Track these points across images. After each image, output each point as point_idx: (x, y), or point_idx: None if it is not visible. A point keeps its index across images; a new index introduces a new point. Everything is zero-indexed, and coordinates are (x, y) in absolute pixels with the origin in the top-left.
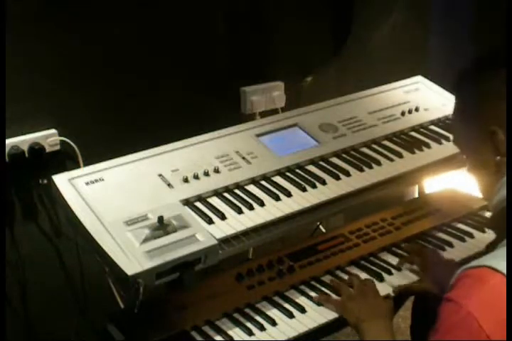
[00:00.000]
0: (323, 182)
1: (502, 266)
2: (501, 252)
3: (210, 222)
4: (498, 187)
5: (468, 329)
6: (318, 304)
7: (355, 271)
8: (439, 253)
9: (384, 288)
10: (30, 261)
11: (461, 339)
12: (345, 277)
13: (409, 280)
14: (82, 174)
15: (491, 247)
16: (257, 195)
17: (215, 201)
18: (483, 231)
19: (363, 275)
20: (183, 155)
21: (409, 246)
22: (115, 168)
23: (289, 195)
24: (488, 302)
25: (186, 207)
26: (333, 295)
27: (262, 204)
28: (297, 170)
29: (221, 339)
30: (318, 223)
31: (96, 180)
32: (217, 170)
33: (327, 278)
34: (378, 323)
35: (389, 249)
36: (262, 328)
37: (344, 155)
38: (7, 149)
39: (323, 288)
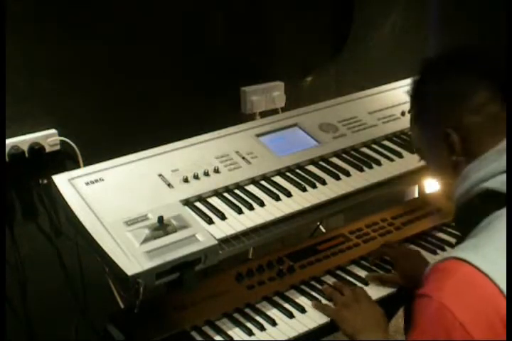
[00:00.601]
0: (323, 182)
1: (469, 257)
2: (467, 244)
3: (210, 222)
4: (457, 184)
5: (443, 319)
6: None
7: (355, 270)
8: (407, 247)
9: (384, 288)
10: (30, 261)
11: (437, 331)
12: (346, 277)
13: None
14: (82, 174)
15: (457, 243)
16: (257, 195)
17: (215, 201)
18: None
19: (364, 275)
20: (183, 155)
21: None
22: (115, 168)
23: (289, 195)
24: (459, 291)
25: (186, 207)
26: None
27: (262, 204)
28: (297, 170)
29: (221, 339)
30: (318, 223)
31: (96, 180)
32: (217, 170)
33: (327, 278)
34: (375, 334)
35: None
36: (262, 328)
37: (344, 155)
38: (7, 149)
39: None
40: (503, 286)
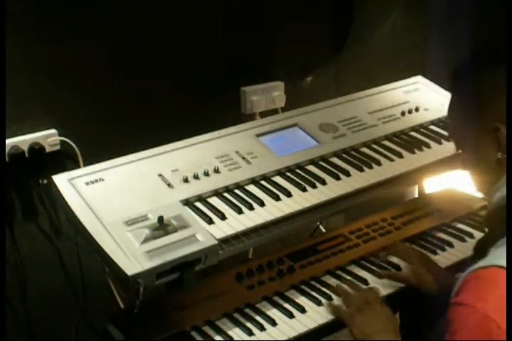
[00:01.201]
0: (323, 182)
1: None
2: (505, 252)
3: (210, 222)
4: (500, 184)
5: (487, 332)
6: (318, 304)
7: (355, 270)
8: (415, 249)
9: (385, 288)
10: (30, 261)
11: (479, 338)
12: (346, 277)
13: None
14: (82, 174)
15: (480, 245)
16: (257, 195)
17: (215, 201)
18: (483, 231)
19: (364, 275)
20: (183, 155)
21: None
22: (115, 168)
23: (289, 195)
24: (504, 302)
25: (186, 207)
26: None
27: (262, 204)
28: (297, 170)
29: (221, 339)
30: (318, 223)
31: (96, 180)
32: (217, 170)
33: (327, 278)
34: (386, 338)
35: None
36: (262, 328)
37: (344, 155)
38: (7, 149)
39: (323, 288)
40: None
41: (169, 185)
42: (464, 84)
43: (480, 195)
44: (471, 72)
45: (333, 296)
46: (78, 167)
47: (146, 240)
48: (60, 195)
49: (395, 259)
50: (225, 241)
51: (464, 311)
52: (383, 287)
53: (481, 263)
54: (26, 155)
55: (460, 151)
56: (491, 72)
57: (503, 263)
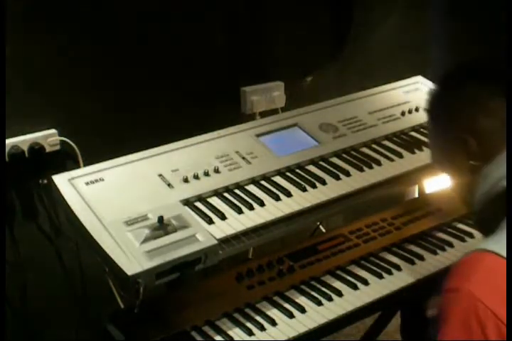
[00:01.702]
0: (323, 182)
1: (491, 246)
2: (489, 238)
3: (210, 222)
4: (477, 186)
5: (474, 309)
6: (318, 304)
7: (355, 270)
8: None
9: (384, 288)
10: (30, 261)
11: (469, 321)
12: (346, 277)
13: (409, 281)
14: (82, 174)
15: None
16: (257, 195)
17: (215, 201)
18: None
19: (364, 275)
20: (183, 155)
21: None
22: (115, 168)
23: (289, 195)
24: (487, 280)
25: (186, 207)
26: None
27: (262, 204)
28: (297, 170)
29: (221, 339)
30: (318, 223)
31: (96, 180)
32: (217, 170)
33: (327, 278)
34: None
35: (389, 249)
36: (262, 328)
37: (344, 155)
38: (7, 149)
39: (323, 288)
40: None
41: (169, 185)
42: (432, 105)
43: (461, 202)
44: (444, 86)
45: (333, 296)
46: (78, 167)
47: (146, 240)
48: (60, 195)
49: (395, 259)
50: (225, 241)
51: (451, 295)
52: (383, 287)
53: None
54: (26, 155)
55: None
56: (463, 86)
57: (482, 246)
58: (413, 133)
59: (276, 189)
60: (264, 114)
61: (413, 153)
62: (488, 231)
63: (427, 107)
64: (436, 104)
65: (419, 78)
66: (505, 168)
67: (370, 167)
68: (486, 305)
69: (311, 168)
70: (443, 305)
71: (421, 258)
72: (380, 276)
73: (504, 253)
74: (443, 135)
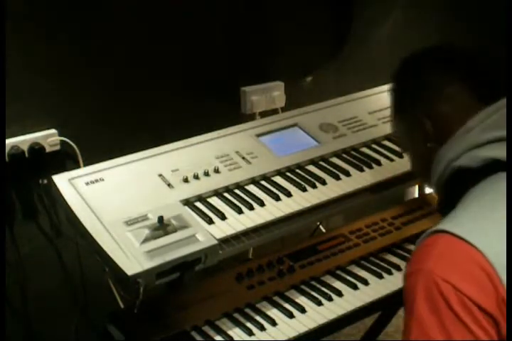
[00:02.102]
0: (323, 182)
1: (445, 226)
2: (445, 218)
3: (210, 222)
4: (433, 167)
5: (436, 286)
6: (318, 304)
7: (355, 270)
8: None
9: (384, 288)
10: (30, 261)
11: (434, 298)
12: (346, 277)
13: None
14: (82, 174)
15: None
16: (257, 195)
17: (215, 201)
18: None
19: (364, 275)
20: (183, 155)
21: None
22: (115, 168)
23: (289, 195)
24: (445, 258)
25: (186, 207)
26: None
27: (262, 204)
28: (297, 170)
29: (221, 339)
30: (318, 223)
31: (96, 180)
32: (217, 170)
33: (327, 278)
34: None
35: (389, 249)
36: (262, 328)
37: (344, 155)
38: (7, 149)
39: (323, 288)
40: (480, 246)
41: (169, 185)
42: (394, 87)
43: (421, 180)
44: (405, 70)
45: (333, 296)
46: (78, 167)
47: (146, 240)
48: (60, 195)
49: (394, 259)
50: (225, 241)
51: (412, 278)
52: (383, 287)
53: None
54: (26, 155)
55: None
56: (421, 71)
57: (436, 227)
58: None
59: (276, 189)
60: (264, 114)
61: None
62: (446, 213)
63: (390, 89)
64: (396, 86)
65: None
66: (455, 149)
67: (370, 167)
68: (445, 279)
69: (311, 168)
70: (407, 287)
71: None
72: (380, 276)
73: (457, 231)
74: (403, 117)
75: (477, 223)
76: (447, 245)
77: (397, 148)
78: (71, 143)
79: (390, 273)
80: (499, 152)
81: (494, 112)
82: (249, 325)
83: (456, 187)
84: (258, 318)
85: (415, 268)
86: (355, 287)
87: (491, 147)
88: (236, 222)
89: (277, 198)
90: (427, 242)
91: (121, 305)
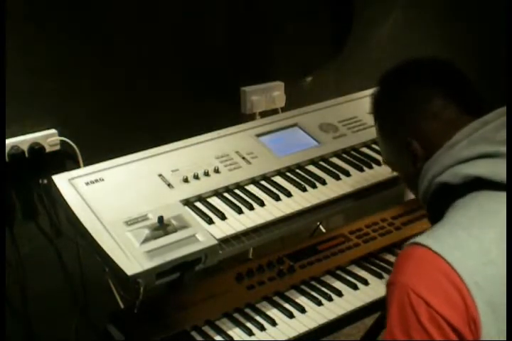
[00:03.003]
0: (323, 182)
1: (422, 240)
2: (424, 232)
3: (210, 222)
4: (420, 181)
5: (407, 298)
6: (318, 304)
7: (355, 270)
8: None
9: (384, 288)
10: (30, 261)
11: (405, 311)
12: (346, 277)
13: None
14: (82, 174)
15: None
16: (257, 195)
17: (215, 201)
18: None
19: (364, 275)
20: (183, 155)
21: None
22: (115, 168)
23: (289, 195)
24: (418, 271)
25: (186, 207)
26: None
27: (262, 204)
28: (297, 170)
29: (221, 339)
30: (318, 223)
31: (96, 180)
32: (217, 170)
33: (327, 278)
34: None
35: (389, 248)
36: (262, 328)
37: (344, 155)
38: (7, 149)
39: (323, 288)
40: (454, 263)
41: (169, 185)
42: (375, 107)
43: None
44: (386, 86)
45: (333, 296)
46: (78, 167)
47: (146, 240)
48: (60, 195)
49: (394, 259)
50: (225, 241)
51: (391, 289)
52: (383, 287)
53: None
54: (26, 155)
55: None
56: (403, 87)
57: (414, 240)
58: None
59: (276, 189)
60: (264, 114)
61: None
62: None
63: (371, 109)
64: (378, 104)
65: None
66: (440, 164)
67: (370, 167)
68: (416, 293)
69: (311, 168)
70: (387, 297)
71: None
72: (380, 276)
73: (434, 247)
74: (388, 137)
75: (453, 239)
76: (423, 259)
77: None
78: (71, 143)
79: (390, 273)
80: (482, 169)
81: (482, 126)
82: (249, 325)
83: (440, 202)
84: (258, 318)
85: (392, 280)
86: (355, 287)
87: (475, 163)
88: (236, 222)
89: (277, 198)
90: (405, 253)
91: (121, 305)
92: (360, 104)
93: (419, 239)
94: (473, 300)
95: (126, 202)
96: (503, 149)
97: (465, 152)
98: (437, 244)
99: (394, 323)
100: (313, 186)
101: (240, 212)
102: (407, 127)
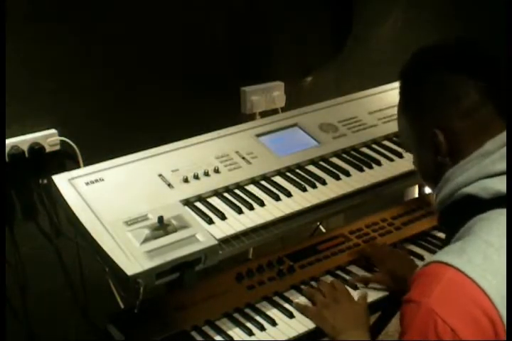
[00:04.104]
0: (323, 182)
1: (454, 261)
2: (451, 248)
3: (210, 222)
4: (439, 187)
5: (433, 325)
6: None
7: (355, 270)
8: (389, 247)
9: (378, 291)
10: (30, 261)
11: (428, 336)
12: (346, 277)
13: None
14: (82, 174)
15: (443, 245)
16: (257, 195)
17: (215, 201)
18: None
19: (364, 275)
20: (183, 155)
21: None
22: (115, 168)
23: (289, 195)
24: (447, 296)
25: (186, 207)
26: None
27: (262, 204)
28: (297, 170)
29: (221, 339)
30: (318, 223)
31: (96, 180)
32: (217, 170)
33: (327, 278)
34: (356, 333)
35: None
36: (262, 328)
37: (344, 155)
38: (7, 149)
39: None
40: (487, 289)
41: (169, 185)
42: (407, 87)
43: (431, 189)
44: (421, 73)
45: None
46: (78, 167)
47: (146, 240)
48: (60, 195)
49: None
50: (225, 241)
51: (411, 307)
52: (378, 289)
53: (426, 261)
54: (26, 155)
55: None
56: (440, 77)
57: (446, 259)
58: None
59: (276, 189)
60: (264, 114)
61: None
62: (448, 234)
63: (401, 86)
64: (405, 88)
65: None
66: (468, 174)
67: (370, 167)
68: (444, 321)
69: (311, 168)
70: (404, 314)
71: (421, 258)
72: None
73: (465, 270)
74: (412, 123)
75: (485, 260)
76: (453, 282)
77: (397, 148)
78: (71, 143)
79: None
80: None
81: None
82: (249, 325)
83: (462, 211)
84: (258, 318)
85: (416, 299)
86: (355, 287)
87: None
88: (236, 222)
89: (277, 198)
90: (432, 271)
91: (121, 305)
92: (360, 104)
93: (447, 258)
94: (504, 329)
95: (126, 202)
96: None
97: (498, 166)
98: (469, 265)
99: None
100: (313, 186)
101: (239, 212)
102: (436, 117)
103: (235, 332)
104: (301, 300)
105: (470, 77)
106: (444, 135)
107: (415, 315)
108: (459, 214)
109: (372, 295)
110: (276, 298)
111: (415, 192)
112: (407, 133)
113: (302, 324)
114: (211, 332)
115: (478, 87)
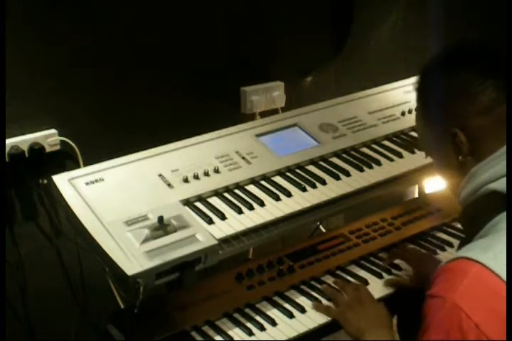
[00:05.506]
0: (323, 182)
1: (479, 256)
2: (476, 244)
3: (210, 222)
4: (463, 184)
5: (458, 320)
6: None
7: (355, 270)
8: (423, 252)
9: (384, 288)
10: (30, 261)
11: (451, 332)
12: (346, 277)
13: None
14: (82, 174)
15: (460, 243)
16: (257, 195)
17: (215, 201)
18: None
19: (364, 275)
20: (183, 155)
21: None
22: (115, 168)
23: (289, 195)
24: (472, 292)
25: (186, 207)
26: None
27: (262, 204)
28: (297, 170)
29: (221, 339)
30: (318, 223)
31: (96, 180)
32: (217, 170)
33: (327, 278)
34: (380, 333)
35: (389, 249)
36: (262, 328)
37: (344, 155)
38: (7, 149)
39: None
40: None
41: (169, 185)
42: (423, 89)
43: (452, 194)
44: (437, 74)
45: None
46: (78, 167)
47: (146, 240)
48: (60, 195)
49: (397, 260)
50: (225, 241)
51: (435, 302)
52: (383, 287)
53: (451, 257)
54: (26, 155)
55: (428, 158)
56: (456, 76)
57: (471, 255)
58: (413, 133)
59: (276, 189)
60: (264, 114)
61: (413, 153)
62: (469, 231)
63: (417, 89)
64: (428, 90)
65: None
66: (494, 171)
67: (370, 167)
68: (469, 316)
69: (311, 168)
70: (427, 309)
71: None
72: (380, 276)
73: (491, 265)
74: (432, 125)
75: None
76: (478, 278)
77: (397, 148)
78: (71, 143)
79: (390, 273)
80: None
81: None
82: (249, 325)
83: (486, 207)
84: (258, 318)
85: (441, 294)
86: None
87: None
88: (236, 222)
89: (277, 198)
90: (457, 266)
91: (121, 305)
92: (360, 104)
93: (472, 254)
94: None
95: (126, 202)
96: None
97: None
98: (494, 261)
99: (433, 337)
100: (313, 186)
101: (239, 212)
102: (454, 117)
103: (235, 332)
104: (301, 300)
105: (487, 74)
106: (464, 134)
107: (439, 310)
108: (483, 210)
109: (376, 294)
110: (276, 298)
111: (415, 192)
112: (427, 137)
113: (302, 324)
114: (211, 332)
115: (495, 84)
